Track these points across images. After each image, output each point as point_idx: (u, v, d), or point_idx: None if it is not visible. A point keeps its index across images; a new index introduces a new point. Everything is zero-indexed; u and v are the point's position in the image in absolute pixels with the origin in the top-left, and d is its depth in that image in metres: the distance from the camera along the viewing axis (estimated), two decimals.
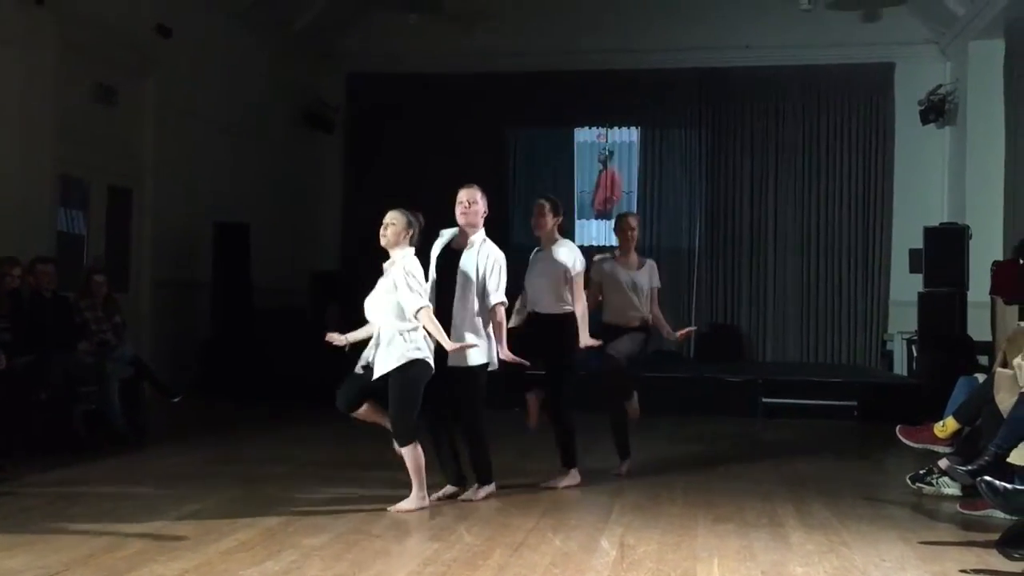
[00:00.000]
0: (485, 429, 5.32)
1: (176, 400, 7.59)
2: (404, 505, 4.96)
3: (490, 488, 5.32)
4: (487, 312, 5.20)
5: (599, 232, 13.22)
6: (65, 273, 7.59)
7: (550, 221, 5.69)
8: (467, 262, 5.20)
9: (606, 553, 4.24)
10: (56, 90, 8.29)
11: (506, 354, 5.28)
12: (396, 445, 4.97)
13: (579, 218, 13.24)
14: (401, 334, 4.86)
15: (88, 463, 6.18)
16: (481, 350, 5.17)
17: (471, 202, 5.24)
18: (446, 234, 5.36)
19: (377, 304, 4.93)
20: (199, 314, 10.46)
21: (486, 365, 5.22)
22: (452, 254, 5.26)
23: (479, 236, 5.29)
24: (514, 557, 4.13)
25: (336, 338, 5.03)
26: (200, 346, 10.26)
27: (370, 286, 5.09)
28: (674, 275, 12.94)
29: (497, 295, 5.21)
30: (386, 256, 5.06)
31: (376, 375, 4.91)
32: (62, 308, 7.15)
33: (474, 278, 5.17)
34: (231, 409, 9.11)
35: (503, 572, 3.90)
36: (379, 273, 5.06)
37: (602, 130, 13.39)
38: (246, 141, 11.51)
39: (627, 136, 13.39)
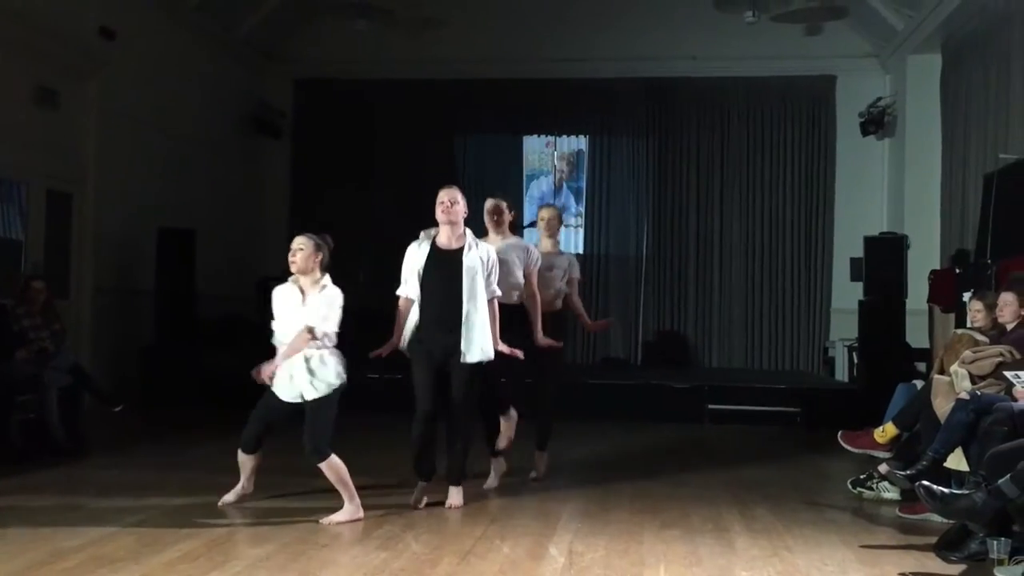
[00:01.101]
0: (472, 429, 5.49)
1: (118, 409, 7.43)
2: (337, 517, 4.92)
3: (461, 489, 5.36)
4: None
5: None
6: (1, 279, 7.41)
7: (507, 219, 5.84)
8: (471, 260, 5.22)
9: (554, 560, 4.25)
10: None
11: (502, 346, 5.34)
12: (315, 463, 4.95)
13: (526, 226, 13.25)
14: (328, 356, 4.97)
15: (26, 473, 6.03)
16: (486, 347, 5.22)
17: (452, 201, 5.24)
18: (430, 233, 5.35)
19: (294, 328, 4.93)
20: (142, 321, 10.28)
21: (483, 362, 5.26)
22: (443, 253, 5.26)
23: (470, 234, 5.34)
24: (462, 565, 4.13)
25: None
26: (142, 354, 10.08)
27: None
28: (622, 282, 13.07)
29: (494, 289, 5.29)
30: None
31: (309, 397, 4.92)
32: None
33: (481, 275, 5.21)
34: (173, 418, 8.97)
35: None
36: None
37: (550, 138, 13.47)
38: (191, 146, 11.36)
39: (575, 144, 13.48)
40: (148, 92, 10.41)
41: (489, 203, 5.85)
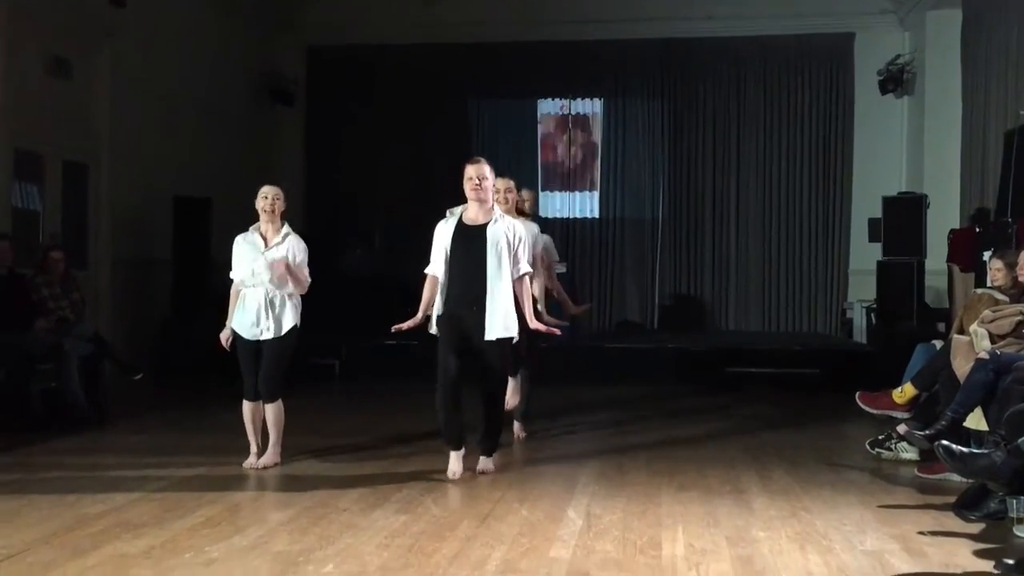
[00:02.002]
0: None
1: (138, 378, 7.51)
2: (265, 460, 5.36)
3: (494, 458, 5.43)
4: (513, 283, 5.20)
5: (563, 204, 13.23)
6: (21, 250, 7.45)
7: (514, 198, 5.80)
8: (496, 235, 5.15)
9: (572, 522, 4.28)
10: (7, 61, 8.09)
11: (536, 324, 5.29)
12: (264, 402, 5.38)
13: (543, 190, 13.22)
14: (290, 298, 5.40)
15: (49, 442, 6.11)
16: (511, 322, 5.16)
17: (481, 178, 5.14)
18: (456, 211, 5.30)
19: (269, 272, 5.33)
20: (159, 290, 10.33)
21: (511, 337, 5.22)
22: (469, 229, 5.19)
23: (497, 210, 5.28)
24: (481, 528, 4.16)
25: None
26: (161, 323, 10.15)
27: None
28: (637, 246, 13.02)
29: (524, 265, 5.23)
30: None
31: (270, 336, 5.33)
32: (19, 286, 7.02)
33: (507, 250, 5.15)
34: (192, 386, 9.04)
35: (470, 543, 3.92)
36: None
37: (565, 101, 13.36)
38: (205, 114, 11.33)
39: (590, 107, 13.37)
40: (160, 61, 10.37)
41: (499, 182, 5.67)
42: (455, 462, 5.18)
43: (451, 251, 5.18)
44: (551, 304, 6.37)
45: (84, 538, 3.95)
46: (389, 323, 5.31)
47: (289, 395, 5.54)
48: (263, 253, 5.36)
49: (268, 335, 5.34)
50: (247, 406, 5.45)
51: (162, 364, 9.82)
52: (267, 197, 5.43)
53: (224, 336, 5.42)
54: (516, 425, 6.31)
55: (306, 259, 5.44)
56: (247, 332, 5.37)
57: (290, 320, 5.38)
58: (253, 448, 5.45)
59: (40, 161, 8.85)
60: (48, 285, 7.23)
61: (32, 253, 7.81)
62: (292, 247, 5.40)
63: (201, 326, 10.02)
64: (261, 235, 5.43)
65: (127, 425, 6.85)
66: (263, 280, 5.34)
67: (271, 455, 5.43)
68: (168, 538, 3.96)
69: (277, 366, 5.37)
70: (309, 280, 5.45)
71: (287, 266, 5.31)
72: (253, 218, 5.58)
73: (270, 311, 5.35)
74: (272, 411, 5.41)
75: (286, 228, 5.45)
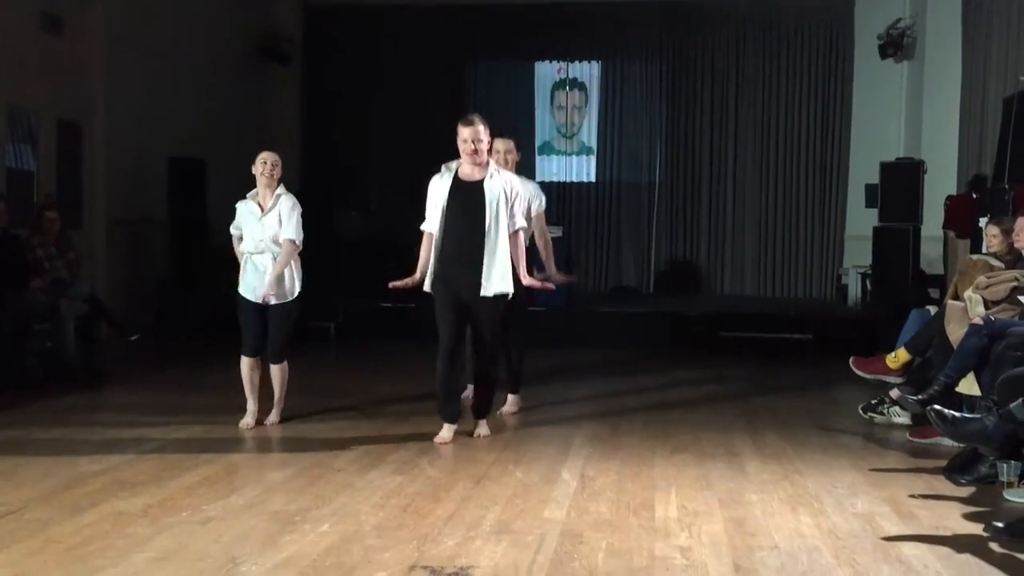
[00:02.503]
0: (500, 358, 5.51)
1: (134, 339, 7.51)
2: (272, 418, 5.54)
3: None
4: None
5: (560, 168, 13.19)
6: (16, 210, 7.42)
7: (515, 159, 5.74)
8: (494, 190, 5.07)
9: (567, 484, 4.31)
10: None
11: (529, 280, 5.26)
12: (272, 363, 5.53)
13: (540, 155, 13.17)
14: (294, 263, 5.51)
15: (45, 402, 6.12)
16: (507, 279, 5.12)
17: (476, 141, 5.02)
18: (452, 166, 5.19)
19: (273, 234, 5.41)
20: (155, 251, 10.31)
21: (507, 294, 5.17)
22: (465, 184, 5.10)
23: (492, 165, 5.20)
24: (476, 489, 4.19)
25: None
26: (158, 284, 10.14)
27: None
28: (634, 209, 13.00)
29: (520, 220, 5.16)
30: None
31: (274, 301, 5.41)
32: (14, 246, 7.00)
33: (504, 206, 5.08)
34: (188, 347, 9.06)
35: (465, 503, 3.96)
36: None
37: (562, 64, 13.26)
38: (200, 73, 11.23)
39: (588, 70, 13.27)
40: (154, 18, 10.25)
41: (499, 143, 5.60)
42: (446, 431, 5.17)
43: (447, 208, 5.08)
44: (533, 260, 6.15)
45: (81, 496, 3.98)
46: (385, 285, 5.29)
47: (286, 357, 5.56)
48: (260, 220, 5.42)
49: (273, 300, 5.42)
50: (246, 362, 5.52)
51: (159, 324, 9.82)
52: (265, 163, 5.45)
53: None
54: (510, 399, 6.02)
55: (298, 216, 5.43)
56: (252, 296, 5.45)
57: (295, 285, 5.47)
58: (250, 407, 5.52)
59: (34, 120, 8.78)
60: (43, 245, 7.21)
61: (27, 213, 7.78)
62: (281, 209, 5.42)
63: (200, 287, 10.07)
64: (258, 203, 5.47)
65: (124, 385, 6.87)
66: (268, 247, 5.41)
67: (275, 413, 5.57)
68: (165, 497, 3.99)
69: (284, 330, 5.49)
70: (300, 236, 5.44)
71: (275, 279, 5.40)
72: (248, 180, 5.56)
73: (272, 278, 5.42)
74: (278, 372, 5.54)
75: (279, 189, 5.48)
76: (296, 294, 5.49)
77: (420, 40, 12.77)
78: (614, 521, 3.76)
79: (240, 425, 5.45)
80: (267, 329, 5.47)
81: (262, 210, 5.44)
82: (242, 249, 5.53)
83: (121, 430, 5.32)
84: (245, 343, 5.53)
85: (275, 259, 5.40)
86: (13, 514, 3.72)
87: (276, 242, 5.40)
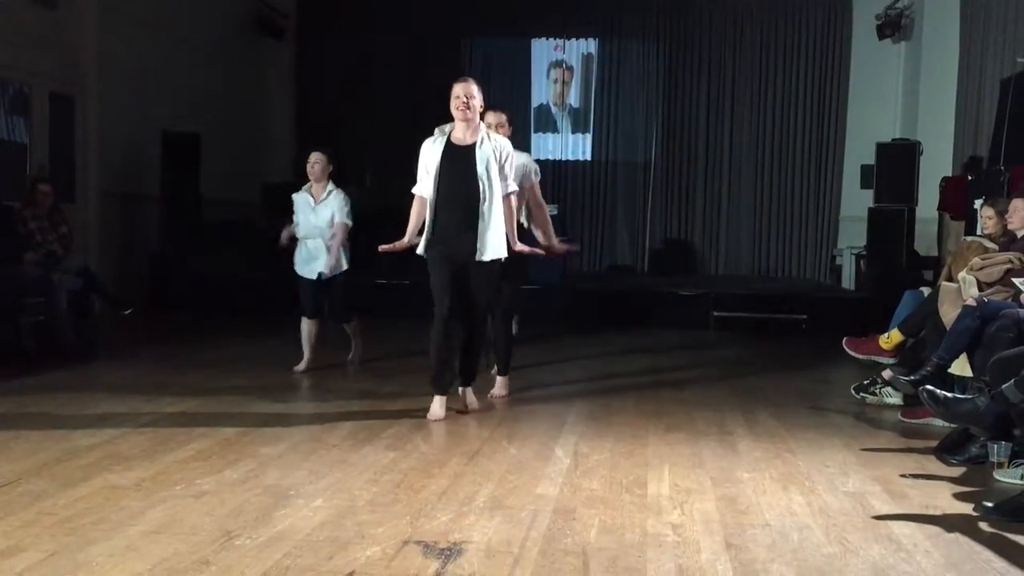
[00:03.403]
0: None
1: (127, 313, 7.50)
2: (355, 355, 6.77)
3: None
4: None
5: (555, 146, 13.15)
6: (8, 182, 7.37)
7: (507, 132, 5.69)
8: (485, 153, 5.03)
9: (560, 461, 4.32)
10: None
11: (520, 246, 5.24)
12: (345, 323, 6.70)
13: (535, 132, 13.13)
14: (342, 246, 6.52)
15: (38, 375, 6.11)
16: (502, 243, 5.09)
17: (469, 96, 5.00)
18: (445, 129, 5.15)
19: (324, 222, 6.47)
20: (148, 225, 10.28)
21: (501, 258, 5.14)
22: (458, 148, 5.05)
23: (483, 128, 5.15)
24: (470, 465, 4.20)
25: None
26: (151, 258, 10.11)
27: None
28: (629, 188, 12.99)
29: (511, 183, 5.13)
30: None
31: (331, 273, 6.48)
32: (6, 218, 6.97)
33: (495, 168, 5.04)
34: (181, 322, 9.04)
35: (459, 479, 3.96)
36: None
37: (559, 41, 13.20)
38: (193, 47, 11.16)
39: (584, 48, 13.21)
40: None
41: (490, 116, 5.51)
42: (438, 405, 5.13)
43: (440, 172, 5.04)
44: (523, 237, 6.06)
45: (75, 470, 3.98)
46: (380, 262, 5.28)
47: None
48: (313, 209, 6.43)
49: (328, 275, 6.44)
50: (305, 322, 6.56)
51: (152, 299, 9.80)
52: (312, 163, 6.43)
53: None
54: (499, 381, 5.89)
55: (350, 206, 6.46)
56: (309, 273, 6.47)
57: (343, 262, 6.49)
58: (306, 355, 6.52)
59: (27, 92, 8.72)
60: (36, 218, 7.18)
61: (20, 185, 7.73)
62: (333, 201, 6.42)
63: (194, 261, 10.05)
64: (311, 194, 6.46)
65: (117, 360, 6.86)
66: (321, 232, 6.41)
67: (356, 358, 6.77)
68: (159, 471, 3.99)
69: (343, 297, 6.59)
70: (349, 224, 6.46)
71: (334, 256, 6.43)
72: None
73: (324, 255, 6.44)
74: (350, 328, 6.70)
75: (330, 186, 6.46)
76: (345, 268, 6.49)
77: (416, 14, 12.71)
78: (607, 498, 3.77)
79: (295, 369, 6.44)
80: (319, 297, 6.50)
81: (315, 201, 6.42)
82: (293, 233, 6.51)
83: (114, 404, 5.32)
84: (305, 309, 6.53)
85: (324, 242, 6.40)
86: (6, 487, 3.72)
87: (326, 228, 6.38)
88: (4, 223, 6.93)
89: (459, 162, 5.03)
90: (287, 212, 6.61)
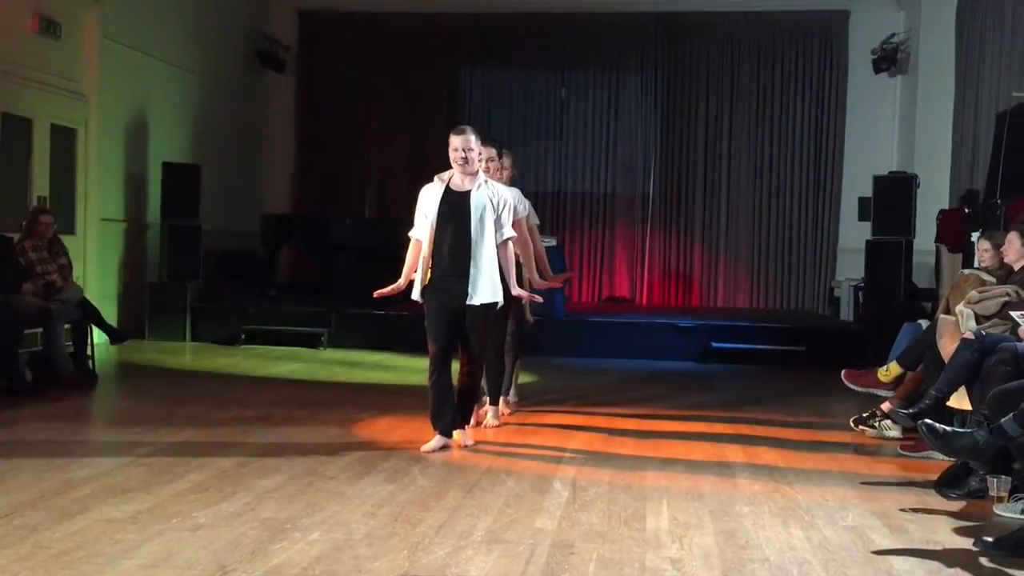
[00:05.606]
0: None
1: (124, 344, 7.50)
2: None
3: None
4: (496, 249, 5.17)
5: (554, 177, 13.19)
6: (8, 213, 7.38)
7: (496, 168, 5.76)
8: (480, 200, 5.11)
9: (558, 494, 4.31)
10: None
11: (518, 291, 5.32)
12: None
13: (534, 162, 13.15)
14: None
15: (36, 406, 6.10)
16: (496, 288, 5.14)
17: (467, 149, 5.08)
18: (444, 176, 5.22)
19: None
20: (148, 256, 10.29)
21: (496, 303, 5.21)
22: (455, 195, 5.14)
23: (482, 176, 5.25)
24: (467, 498, 4.18)
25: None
26: (150, 289, 10.12)
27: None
28: (627, 220, 13.02)
29: (508, 230, 5.20)
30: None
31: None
32: (6, 249, 6.98)
33: (491, 215, 5.11)
34: (179, 352, 9.03)
35: (457, 513, 3.95)
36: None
37: (558, 72, 13.26)
38: (195, 79, 11.24)
39: (583, 79, 13.27)
40: (150, 24, 10.26)
41: (485, 151, 5.51)
42: (435, 440, 5.16)
43: (437, 217, 5.13)
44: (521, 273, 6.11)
45: (71, 502, 3.96)
46: (372, 294, 5.29)
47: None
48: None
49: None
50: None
51: (149, 330, 9.80)
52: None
53: None
54: (501, 401, 6.06)
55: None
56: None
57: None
58: None
59: (29, 124, 8.76)
60: (36, 249, 7.19)
61: (19, 217, 7.75)
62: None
63: (192, 293, 10.05)
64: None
65: (114, 391, 6.85)
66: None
67: None
68: (155, 503, 3.98)
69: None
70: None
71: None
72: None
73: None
74: None
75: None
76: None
77: (416, 47, 12.80)
78: (605, 532, 3.75)
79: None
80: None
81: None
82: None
83: (111, 435, 5.30)
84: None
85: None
86: (3, 519, 3.70)
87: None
88: (3, 254, 6.94)
89: (454, 208, 5.12)
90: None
